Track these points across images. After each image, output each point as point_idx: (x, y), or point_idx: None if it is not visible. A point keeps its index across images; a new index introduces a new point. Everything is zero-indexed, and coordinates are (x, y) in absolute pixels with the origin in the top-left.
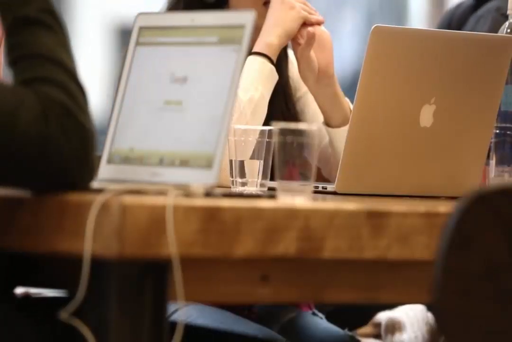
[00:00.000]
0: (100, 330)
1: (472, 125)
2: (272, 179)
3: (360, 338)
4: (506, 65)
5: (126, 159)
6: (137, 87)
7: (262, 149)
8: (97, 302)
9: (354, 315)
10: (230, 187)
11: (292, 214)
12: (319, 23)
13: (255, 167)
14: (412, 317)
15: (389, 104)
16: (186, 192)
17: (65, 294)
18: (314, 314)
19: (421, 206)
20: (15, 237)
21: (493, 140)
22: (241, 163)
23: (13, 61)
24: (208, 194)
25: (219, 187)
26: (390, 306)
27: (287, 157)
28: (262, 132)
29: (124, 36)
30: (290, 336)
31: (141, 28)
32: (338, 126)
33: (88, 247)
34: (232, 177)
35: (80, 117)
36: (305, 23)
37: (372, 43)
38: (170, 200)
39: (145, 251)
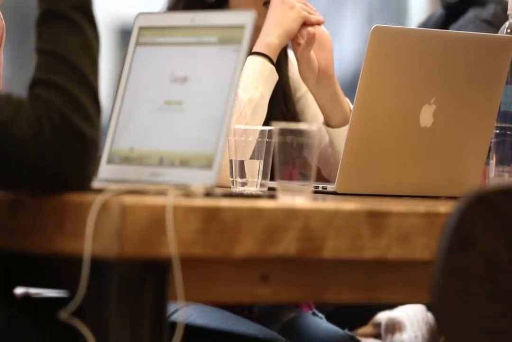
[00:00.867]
0: (100, 330)
1: (472, 125)
2: (272, 179)
3: (360, 338)
4: (506, 65)
5: (126, 160)
6: (137, 87)
7: (262, 149)
8: (97, 302)
9: (354, 315)
10: (230, 187)
11: (292, 214)
12: (319, 23)
13: (255, 167)
14: (412, 317)
15: (389, 104)
16: (186, 192)
17: (65, 294)
18: (314, 314)
19: (421, 206)
20: (15, 237)
21: (493, 140)
22: (241, 163)
23: (35, 52)
24: (208, 194)
25: (219, 187)
26: (390, 306)
27: (287, 157)
28: (262, 132)
29: (124, 36)
30: (290, 336)
31: (141, 28)
32: (338, 126)
33: (88, 247)
34: (232, 177)
35: (78, 124)
36: (305, 23)
37: (372, 43)
38: (170, 200)
39: (145, 251)
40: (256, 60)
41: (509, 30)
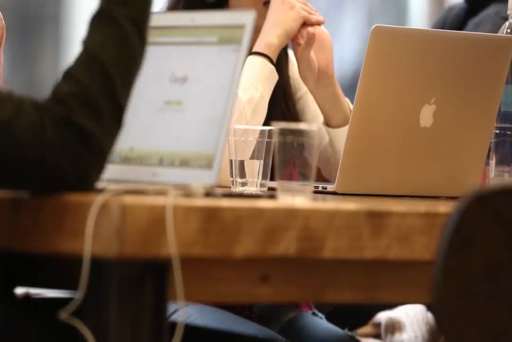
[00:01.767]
0: (100, 330)
1: (472, 125)
2: (272, 179)
3: (360, 338)
4: (506, 65)
5: (126, 159)
6: (137, 87)
7: (262, 149)
8: (97, 302)
9: (354, 315)
10: (230, 187)
11: (292, 214)
12: (319, 23)
13: (255, 167)
14: (412, 317)
15: (389, 104)
16: (186, 192)
17: (65, 294)
18: (314, 314)
19: (421, 206)
20: (15, 237)
21: (493, 140)
22: (241, 163)
23: (81, 42)
24: (208, 194)
25: (219, 187)
26: (390, 306)
27: (287, 157)
28: (262, 132)
29: None
30: (290, 336)
31: None
32: (338, 126)
33: (88, 247)
34: (232, 177)
35: (84, 125)
36: (305, 23)
37: (372, 43)
38: (170, 200)
39: (145, 251)
40: (256, 60)
41: (509, 30)
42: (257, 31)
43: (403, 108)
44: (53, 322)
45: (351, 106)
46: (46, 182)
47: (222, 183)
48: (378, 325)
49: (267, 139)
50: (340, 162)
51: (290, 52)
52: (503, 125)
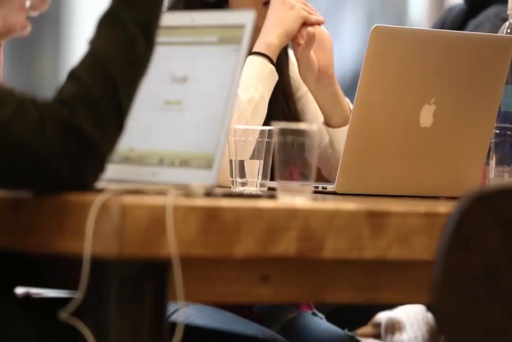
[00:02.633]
0: (100, 330)
1: (472, 126)
2: (272, 179)
3: (360, 338)
4: (506, 65)
5: (126, 159)
6: None
7: (262, 149)
8: (97, 302)
9: (354, 315)
10: (230, 187)
11: (292, 214)
12: (319, 23)
13: (255, 167)
14: (412, 317)
15: (389, 104)
16: (186, 192)
17: (65, 294)
18: (314, 314)
19: (421, 206)
20: (15, 237)
21: (493, 140)
22: (241, 163)
23: (87, 42)
24: (208, 194)
25: (219, 187)
26: (390, 306)
27: (287, 157)
28: (262, 132)
29: None
30: (290, 336)
31: None
32: (338, 126)
33: (88, 247)
34: (232, 177)
35: (85, 128)
36: (305, 23)
37: (372, 43)
38: (170, 200)
39: (145, 251)
40: (256, 60)
41: (509, 30)
42: (257, 31)
43: (403, 108)
44: (53, 322)
45: (351, 106)
46: (44, 181)
47: (222, 183)
48: (378, 325)
49: (267, 139)
50: (340, 162)
51: (290, 52)
52: (503, 125)
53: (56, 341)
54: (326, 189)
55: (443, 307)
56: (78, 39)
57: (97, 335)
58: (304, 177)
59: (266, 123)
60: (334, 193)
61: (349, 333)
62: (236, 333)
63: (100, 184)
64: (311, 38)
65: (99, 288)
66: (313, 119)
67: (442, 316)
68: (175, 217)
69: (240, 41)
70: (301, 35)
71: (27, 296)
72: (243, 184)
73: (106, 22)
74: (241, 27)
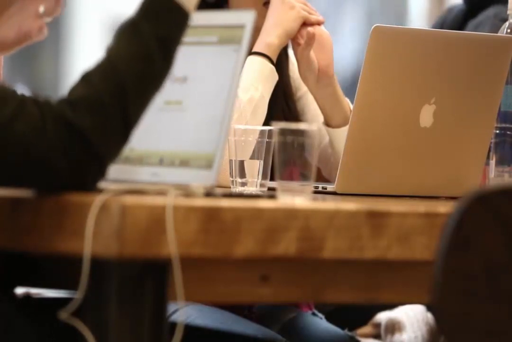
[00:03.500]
0: (100, 330)
1: (472, 126)
2: (272, 179)
3: (360, 338)
4: (506, 65)
5: (126, 159)
6: None
7: (262, 149)
8: (97, 302)
9: (354, 315)
10: (230, 187)
11: (292, 214)
12: (319, 23)
13: (255, 167)
14: (412, 317)
15: (389, 104)
16: (186, 192)
17: (65, 294)
18: (314, 314)
19: (421, 206)
20: (15, 237)
21: (493, 140)
22: (241, 163)
23: (105, 49)
24: (208, 194)
25: (219, 187)
26: (390, 306)
27: (287, 157)
28: (262, 132)
29: None
30: (290, 336)
31: None
32: (338, 126)
33: (88, 247)
34: (232, 177)
35: (87, 131)
36: (305, 23)
37: (372, 43)
38: (170, 200)
39: (145, 251)
40: (256, 60)
41: (509, 30)
42: (257, 31)
43: (403, 108)
44: (53, 322)
45: (351, 106)
46: (44, 181)
47: (222, 183)
48: (378, 325)
49: (267, 139)
50: (340, 162)
51: (290, 52)
52: (503, 125)
53: (56, 341)
54: (326, 189)
55: (443, 307)
56: (78, 39)
57: (97, 335)
58: (304, 177)
59: (266, 123)
60: (334, 193)
61: (349, 333)
62: (236, 333)
63: (100, 184)
64: (311, 38)
65: (99, 288)
66: (313, 119)
67: (442, 316)
68: (175, 217)
69: (240, 41)
70: (301, 35)
71: (27, 296)
72: (243, 184)
73: (126, 32)
74: (241, 27)
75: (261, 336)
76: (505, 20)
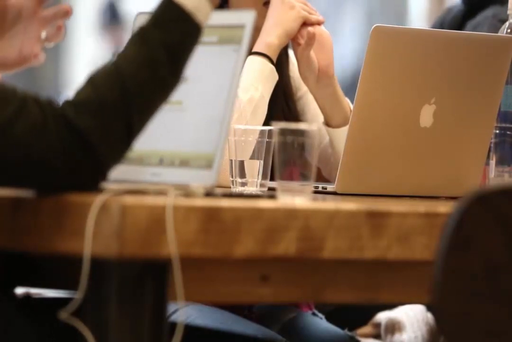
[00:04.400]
0: (100, 330)
1: (472, 126)
2: (272, 179)
3: (360, 338)
4: (506, 65)
5: (126, 159)
6: None
7: (262, 149)
8: (97, 302)
9: (354, 315)
10: (230, 187)
11: (292, 214)
12: (319, 23)
13: (255, 167)
14: (412, 317)
15: (389, 104)
16: (186, 192)
17: (65, 294)
18: (314, 314)
19: (421, 206)
20: (15, 237)
21: (493, 140)
22: (241, 163)
23: (114, 55)
24: (208, 194)
25: (219, 187)
26: (390, 306)
27: (287, 157)
28: (262, 132)
29: None
30: (290, 336)
31: None
32: (338, 126)
33: (88, 247)
34: (232, 177)
35: (88, 134)
36: (305, 23)
37: (372, 43)
38: (170, 200)
39: (145, 251)
40: (256, 60)
41: (509, 30)
42: (257, 31)
43: (403, 108)
44: (53, 322)
45: (351, 106)
46: (44, 181)
47: (222, 183)
48: (378, 325)
49: (267, 139)
50: (340, 162)
51: (290, 52)
52: (503, 125)
53: (56, 341)
54: (326, 189)
55: (443, 307)
56: (78, 40)
57: (97, 335)
58: (304, 177)
59: (266, 123)
60: (334, 193)
61: (349, 333)
62: (236, 333)
63: (100, 184)
64: (311, 38)
65: (99, 288)
66: (313, 119)
67: (442, 316)
68: (175, 217)
69: (240, 41)
70: (301, 35)
71: (27, 296)
72: (243, 184)
73: (136, 39)
74: (241, 27)
75: (261, 336)
76: (504, 20)
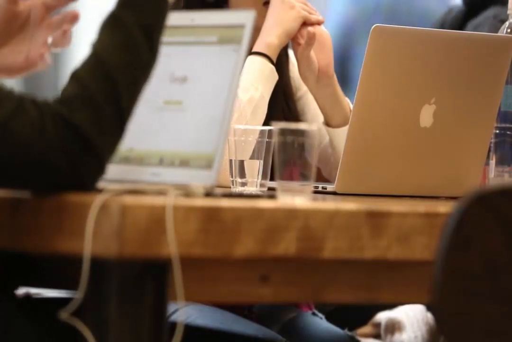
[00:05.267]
0: (100, 330)
1: (472, 126)
2: (272, 179)
3: (360, 338)
4: (506, 65)
5: (126, 159)
6: None
7: (262, 149)
8: (97, 302)
9: (354, 315)
10: (230, 187)
11: (292, 214)
12: (319, 23)
13: (255, 167)
14: (412, 317)
15: (389, 104)
16: (186, 192)
17: (65, 294)
18: (314, 314)
19: (421, 206)
20: (15, 237)
21: (493, 140)
22: (241, 163)
23: (90, 45)
24: (208, 194)
25: (219, 187)
26: (390, 306)
27: (287, 157)
28: (262, 132)
29: None
30: (290, 336)
31: None
32: (338, 126)
33: (88, 247)
34: (232, 177)
35: (85, 128)
36: (305, 23)
37: (372, 43)
38: (170, 200)
39: (145, 251)
40: (256, 60)
41: (509, 30)
42: (257, 31)
43: (403, 108)
44: (53, 322)
45: (351, 106)
46: (44, 181)
47: (222, 183)
48: (378, 325)
49: (267, 139)
50: (340, 162)
51: (290, 52)
52: (503, 125)
53: (56, 341)
54: (326, 189)
55: (443, 307)
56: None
57: (97, 335)
58: (304, 177)
59: (266, 123)
60: (334, 193)
61: (349, 333)
62: (236, 333)
63: (100, 184)
64: (311, 38)
65: (99, 288)
66: (313, 119)
67: (442, 316)
68: (175, 217)
69: (240, 41)
70: (301, 35)
71: (27, 296)
72: (243, 184)
73: (109, 24)
74: (241, 27)
75: (261, 336)
76: (504, 21)
